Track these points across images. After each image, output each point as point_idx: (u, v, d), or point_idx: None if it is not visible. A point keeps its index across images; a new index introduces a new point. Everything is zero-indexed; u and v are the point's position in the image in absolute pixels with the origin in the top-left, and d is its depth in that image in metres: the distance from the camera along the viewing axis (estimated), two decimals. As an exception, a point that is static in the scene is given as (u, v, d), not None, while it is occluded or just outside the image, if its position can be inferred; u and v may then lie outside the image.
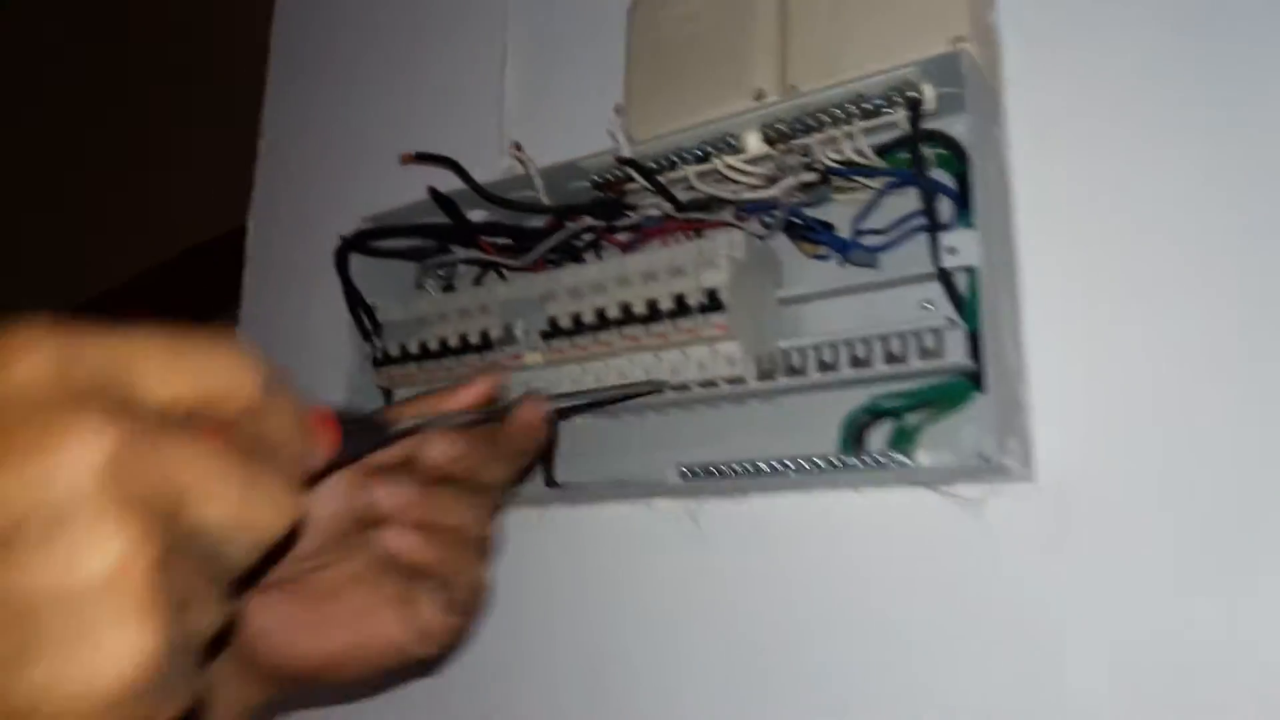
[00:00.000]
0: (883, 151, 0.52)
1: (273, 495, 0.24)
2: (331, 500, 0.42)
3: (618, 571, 0.61)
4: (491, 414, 0.45)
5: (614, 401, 0.54)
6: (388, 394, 0.66)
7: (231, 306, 0.89)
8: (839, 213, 0.55)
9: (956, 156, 0.51)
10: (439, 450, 0.42)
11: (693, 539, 0.58)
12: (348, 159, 0.82)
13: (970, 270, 0.47)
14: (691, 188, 0.57)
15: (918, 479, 0.49)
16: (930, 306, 0.52)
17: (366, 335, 0.67)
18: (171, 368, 0.23)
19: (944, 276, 0.48)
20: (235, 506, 0.23)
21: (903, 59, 0.49)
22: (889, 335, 0.51)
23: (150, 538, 0.21)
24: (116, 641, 0.20)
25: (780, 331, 0.56)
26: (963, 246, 0.47)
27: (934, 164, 0.51)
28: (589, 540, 0.62)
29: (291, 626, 0.42)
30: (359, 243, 0.64)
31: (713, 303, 0.52)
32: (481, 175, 0.65)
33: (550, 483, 0.60)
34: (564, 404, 0.53)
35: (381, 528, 0.43)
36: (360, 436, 0.36)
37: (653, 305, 0.54)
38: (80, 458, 0.20)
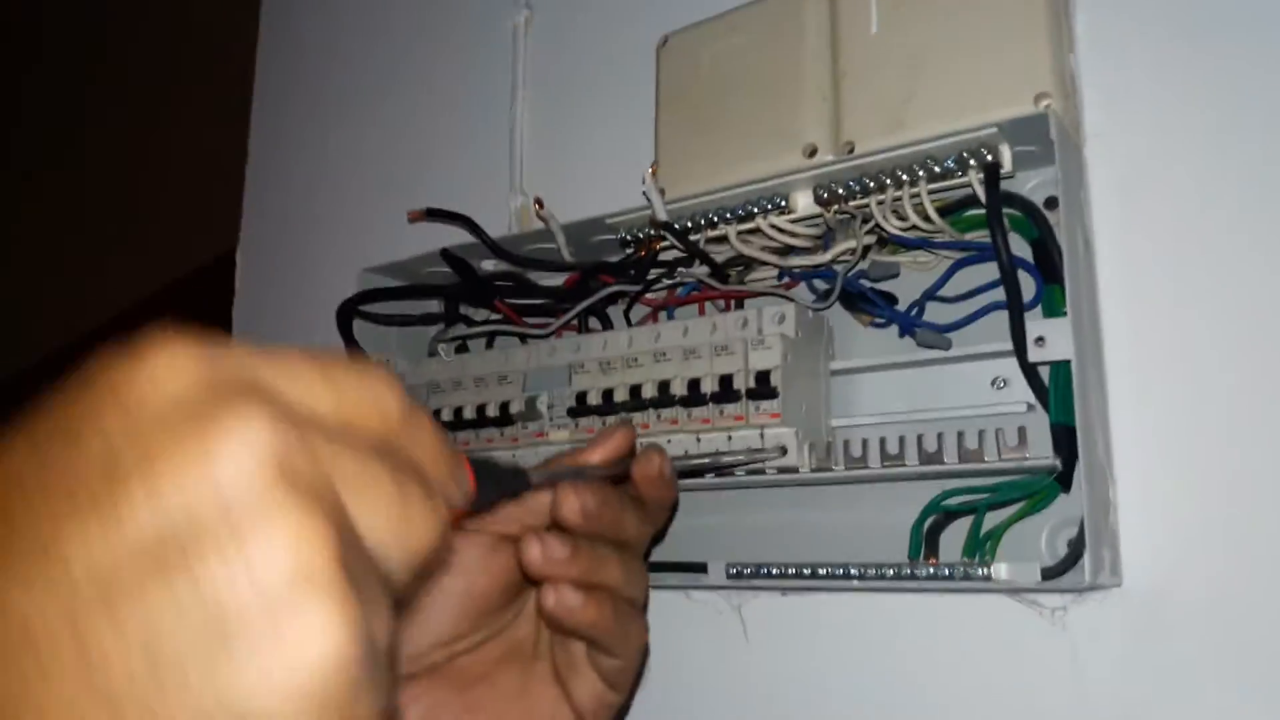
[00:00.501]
0: (947, 210, 0.47)
1: (424, 510, 0.23)
2: (473, 572, 0.39)
3: (654, 659, 0.56)
4: (623, 468, 0.41)
5: (733, 466, 0.49)
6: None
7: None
8: (900, 275, 0.50)
9: (1033, 220, 0.46)
10: (575, 503, 0.37)
11: (736, 633, 0.53)
12: (346, 195, 0.76)
13: (1062, 363, 0.42)
14: (728, 243, 0.52)
15: (997, 588, 0.44)
16: (1004, 384, 0.47)
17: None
18: (314, 380, 0.22)
19: (1030, 370, 0.43)
20: (391, 516, 0.22)
21: (980, 119, 0.44)
22: (960, 422, 0.46)
23: (327, 523, 0.20)
24: (313, 629, 0.19)
25: (833, 408, 0.51)
26: (1052, 337, 0.42)
27: (1008, 229, 0.46)
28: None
29: (438, 717, 0.38)
30: (358, 305, 0.59)
31: (763, 387, 0.47)
32: (489, 222, 0.60)
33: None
34: (682, 464, 0.48)
35: (534, 592, 0.40)
36: (493, 483, 0.32)
37: (694, 386, 0.48)
38: (244, 450, 0.19)
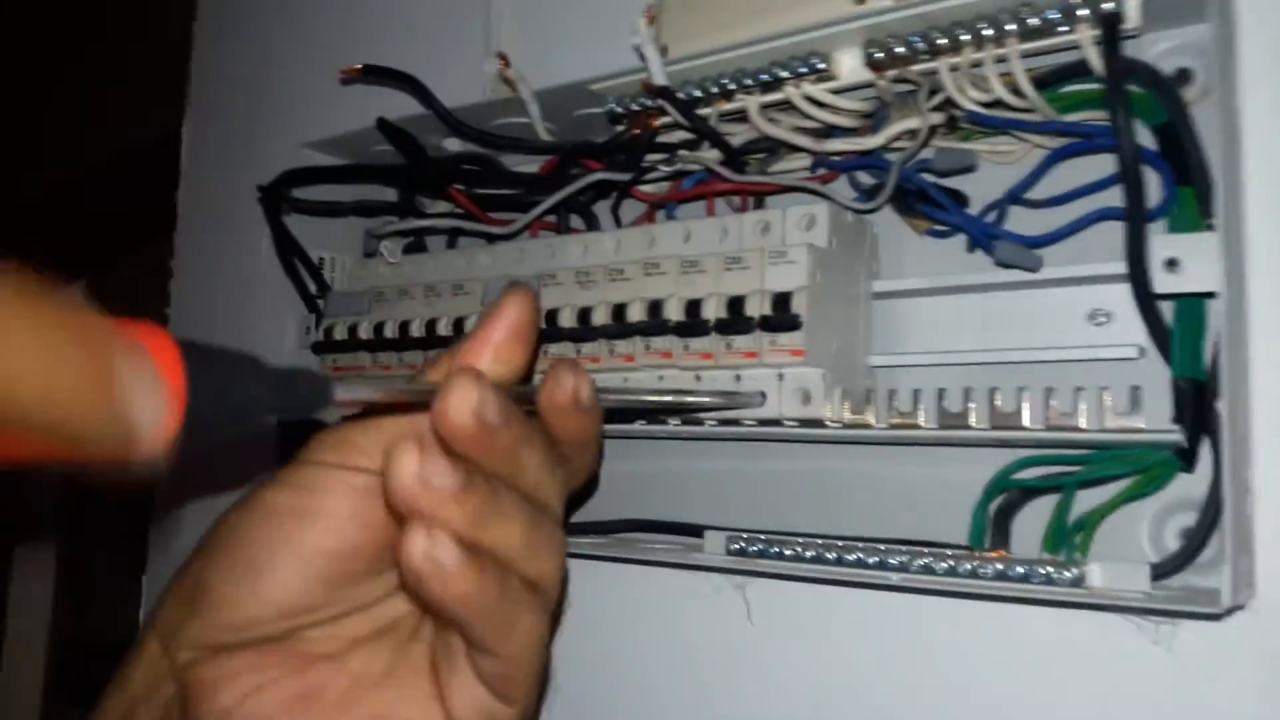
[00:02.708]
0: (1042, 84, 0.35)
1: None
2: (336, 522, 0.28)
3: (638, 632, 0.46)
4: (524, 393, 0.28)
5: (697, 412, 0.38)
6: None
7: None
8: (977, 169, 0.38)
9: (1161, 99, 0.33)
10: (471, 396, 0.24)
11: (739, 617, 0.43)
12: (304, 57, 0.64)
13: (1201, 296, 0.30)
14: (748, 122, 0.40)
15: (1092, 600, 0.33)
16: (1106, 320, 0.35)
17: (311, 302, 0.50)
18: None
19: (1150, 305, 0.31)
20: None
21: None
22: (1047, 371, 0.35)
23: None
24: None
25: (873, 343, 0.39)
26: (1190, 259, 0.30)
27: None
28: (603, 590, 0.47)
29: (262, 704, 0.28)
30: (284, 189, 0.47)
31: (782, 314, 0.35)
32: (462, 91, 0.48)
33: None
34: (614, 400, 0.36)
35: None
36: (231, 381, 0.20)
37: (694, 309, 0.37)
38: None
